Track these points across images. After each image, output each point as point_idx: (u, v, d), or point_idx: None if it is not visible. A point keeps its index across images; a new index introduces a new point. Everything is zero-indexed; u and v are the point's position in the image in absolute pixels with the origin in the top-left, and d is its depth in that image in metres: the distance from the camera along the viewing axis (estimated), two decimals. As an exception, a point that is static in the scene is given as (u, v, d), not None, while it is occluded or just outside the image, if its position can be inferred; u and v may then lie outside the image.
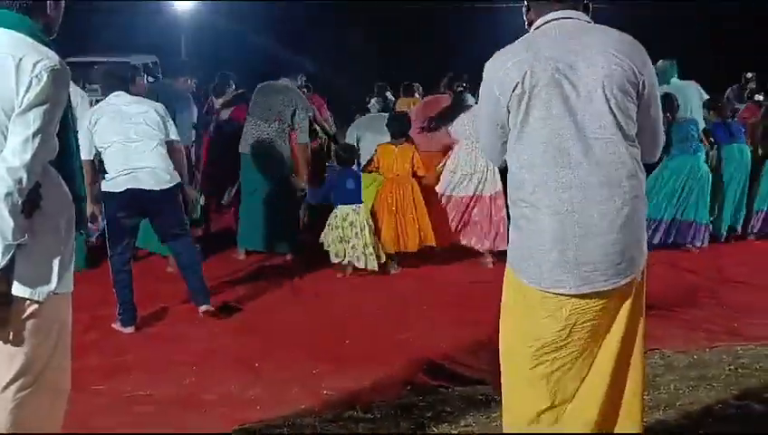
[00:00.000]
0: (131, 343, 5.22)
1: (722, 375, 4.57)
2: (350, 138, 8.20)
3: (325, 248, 6.92)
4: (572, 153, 2.55)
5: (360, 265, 6.82)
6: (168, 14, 26.08)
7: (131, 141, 5.38)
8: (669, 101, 7.63)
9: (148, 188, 5.38)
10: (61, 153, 2.56)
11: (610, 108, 2.54)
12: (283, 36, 28.93)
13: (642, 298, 2.74)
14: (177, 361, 4.87)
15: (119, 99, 5.51)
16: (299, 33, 29.33)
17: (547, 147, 2.56)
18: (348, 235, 6.81)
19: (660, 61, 8.76)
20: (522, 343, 2.70)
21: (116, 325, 5.43)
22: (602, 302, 2.62)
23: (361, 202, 6.95)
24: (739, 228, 8.36)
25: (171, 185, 5.43)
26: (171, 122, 5.59)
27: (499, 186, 7.20)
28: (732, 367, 4.70)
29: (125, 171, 5.37)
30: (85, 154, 5.23)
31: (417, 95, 10.12)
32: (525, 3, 2.78)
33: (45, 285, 2.51)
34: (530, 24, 2.76)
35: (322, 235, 6.97)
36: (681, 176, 7.79)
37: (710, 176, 7.92)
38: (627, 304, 2.67)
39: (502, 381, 2.83)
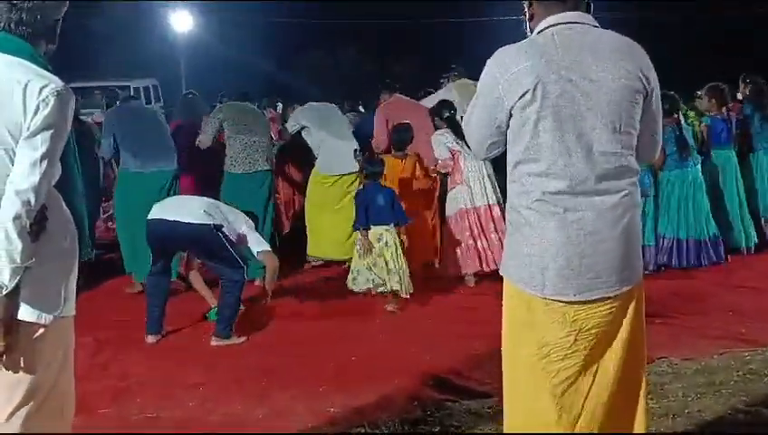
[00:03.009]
0: (137, 365, 5.20)
1: (730, 381, 4.55)
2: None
3: (353, 277, 6.47)
4: (580, 165, 2.54)
5: (396, 286, 6.37)
6: (167, 38, 26.20)
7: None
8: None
9: (168, 219, 5.57)
10: (63, 176, 2.57)
11: (618, 121, 2.55)
12: (281, 56, 29.19)
13: (642, 304, 2.73)
14: (182, 382, 4.85)
15: None
16: (295, 53, 29.54)
17: (557, 159, 2.55)
18: (385, 257, 6.37)
19: None
20: (527, 355, 2.66)
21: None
22: (606, 308, 2.61)
23: (393, 221, 6.50)
24: None
25: (200, 222, 5.51)
26: (244, 229, 5.76)
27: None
28: (740, 373, 4.68)
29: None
30: None
31: None
32: None
33: (51, 309, 2.50)
34: (530, 19, 2.73)
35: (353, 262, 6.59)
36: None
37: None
38: (629, 311, 2.66)
39: (504, 395, 2.80)
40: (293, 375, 4.90)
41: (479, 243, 7.03)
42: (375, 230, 6.42)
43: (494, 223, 7.02)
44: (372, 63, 31.00)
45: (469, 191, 7.05)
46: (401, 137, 7.22)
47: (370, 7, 28.79)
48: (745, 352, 5.07)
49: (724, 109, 8.16)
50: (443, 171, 7.22)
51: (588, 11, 2.70)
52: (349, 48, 31.71)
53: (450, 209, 7.18)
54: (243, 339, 5.64)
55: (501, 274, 2.79)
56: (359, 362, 5.13)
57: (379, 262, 6.34)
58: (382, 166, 6.78)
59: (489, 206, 7.05)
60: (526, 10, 2.76)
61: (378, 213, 6.44)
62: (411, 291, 6.42)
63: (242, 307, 5.82)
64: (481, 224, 7.04)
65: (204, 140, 7.47)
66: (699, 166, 7.66)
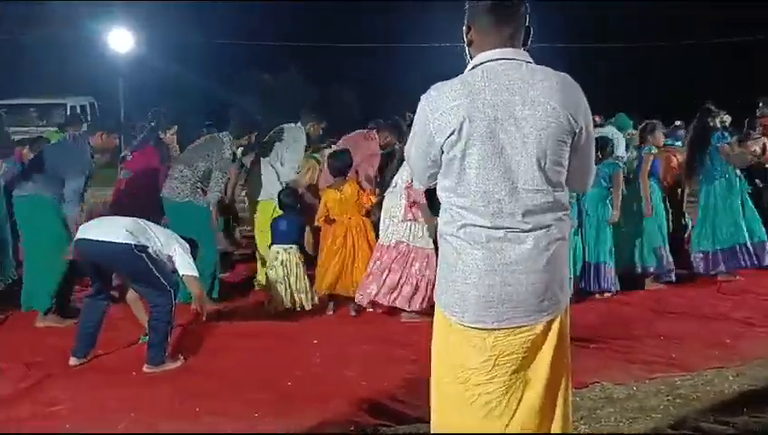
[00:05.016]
0: (65, 390, 5.06)
1: (660, 406, 4.64)
2: None
3: (256, 283, 7.06)
4: (504, 200, 2.59)
5: (287, 304, 6.85)
6: (105, 56, 25.84)
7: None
8: (603, 143, 7.63)
9: (91, 238, 5.42)
10: None
11: (543, 161, 2.59)
12: (221, 77, 29.05)
13: (566, 335, 2.76)
14: (111, 407, 4.75)
15: None
16: (236, 74, 29.43)
17: (482, 195, 2.59)
18: (279, 274, 6.84)
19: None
20: (451, 377, 2.71)
21: None
22: (525, 336, 2.64)
23: (294, 243, 6.96)
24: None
25: (122, 241, 5.35)
26: (174, 250, 5.55)
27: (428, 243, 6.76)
28: (669, 398, 4.78)
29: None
30: None
31: None
32: (466, 23, 2.76)
33: None
34: (469, 45, 2.76)
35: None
36: None
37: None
38: (551, 340, 2.69)
39: (431, 416, 2.83)
40: (228, 400, 4.84)
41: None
42: (273, 248, 7.02)
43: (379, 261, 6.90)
44: (314, 86, 31.12)
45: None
46: (340, 162, 7.20)
47: (312, 29, 28.95)
48: (675, 377, 5.18)
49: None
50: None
51: (527, 40, 2.74)
52: (290, 70, 31.71)
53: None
54: (177, 363, 5.54)
55: (434, 299, 2.83)
56: (294, 387, 5.09)
57: (271, 276, 6.93)
58: (293, 198, 7.22)
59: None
60: (465, 36, 2.79)
61: (278, 235, 7.04)
62: (306, 306, 6.89)
63: (172, 325, 5.57)
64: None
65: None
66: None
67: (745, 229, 8.14)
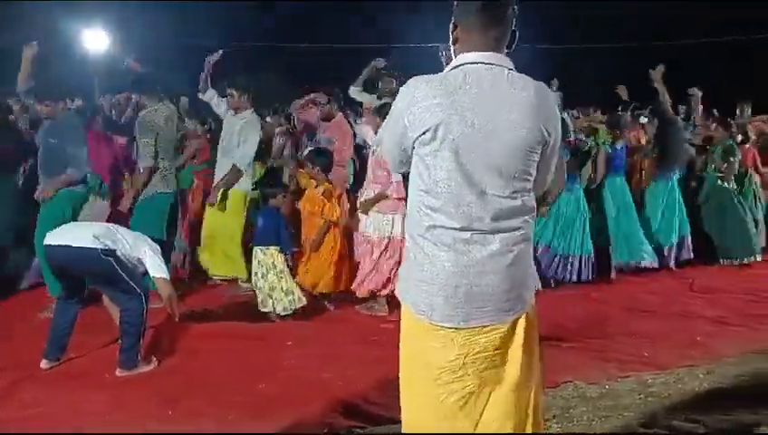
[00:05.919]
0: (38, 393, 5.03)
1: (632, 404, 4.70)
2: None
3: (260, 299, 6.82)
4: (474, 205, 2.61)
5: (265, 308, 6.74)
6: (80, 55, 25.59)
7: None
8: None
9: (57, 244, 5.34)
10: None
11: (513, 169, 2.61)
12: (196, 80, 28.85)
13: (535, 330, 2.79)
14: (86, 411, 4.72)
15: None
16: (217, 74, 29.18)
17: (453, 197, 2.61)
18: (257, 276, 6.76)
19: None
20: (419, 375, 2.74)
21: None
22: (493, 335, 2.68)
23: (270, 244, 6.77)
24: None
25: (89, 246, 5.28)
26: (144, 252, 5.45)
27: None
28: (641, 396, 4.84)
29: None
30: None
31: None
32: (453, 21, 2.77)
33: None
34: (455, 42, 2.77)
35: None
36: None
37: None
38: (519, 337, 2.72)
39: (402, 415, 2.85)
40: (201, 403, 4.82)
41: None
42: (255, 249, 6.87)
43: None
44: (295, 88, 31.01)
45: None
46: (322, 161, 7.20)
47: (293, 30, 28.87)
48: (648, 375, 5.23)
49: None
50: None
51: (512, 44, 2.75)
52: (270, 71, 31.57)
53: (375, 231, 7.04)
54: (151, 366, 5.50)
55: (397, 296, 2.85)
56: (269, 389, 5.07)
57: (254, 281, 6.83)
58: (276, 189, 7.06)
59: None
60: (450, 34, 2.80)
61: (257, 234, 6.92)
62: (285, 311, 6.72)
63: (145, 328, 5.51)
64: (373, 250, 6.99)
65: None
66: (580, 188, 7.98)
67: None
